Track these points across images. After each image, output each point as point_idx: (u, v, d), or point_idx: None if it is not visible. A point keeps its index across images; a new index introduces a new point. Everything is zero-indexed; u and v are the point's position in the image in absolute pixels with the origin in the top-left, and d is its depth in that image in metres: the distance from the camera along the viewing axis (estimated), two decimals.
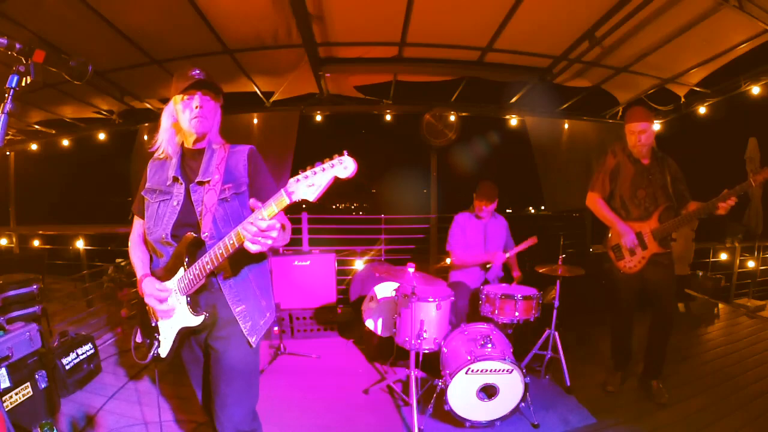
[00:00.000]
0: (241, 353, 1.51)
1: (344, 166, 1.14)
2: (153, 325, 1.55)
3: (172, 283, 1.46)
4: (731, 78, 4.15)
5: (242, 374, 1.52)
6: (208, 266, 1.36)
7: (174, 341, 1.49)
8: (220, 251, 1.32)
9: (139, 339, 1.58)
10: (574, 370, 2.88)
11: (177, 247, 1.45)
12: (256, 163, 1.58)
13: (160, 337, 1.52)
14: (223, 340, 1.50)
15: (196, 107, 1.45)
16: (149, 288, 1.48)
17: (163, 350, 1.51)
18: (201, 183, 1.48)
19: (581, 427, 2.42)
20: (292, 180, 1.16)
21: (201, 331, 1.51)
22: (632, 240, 2.59)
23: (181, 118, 1.48)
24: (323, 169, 1.14)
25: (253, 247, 1.24)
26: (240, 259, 1.47)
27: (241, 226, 1.26)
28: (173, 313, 1.47)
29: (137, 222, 1.64)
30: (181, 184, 1.50)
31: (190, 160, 1.55)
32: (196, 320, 1.44)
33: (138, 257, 1.61)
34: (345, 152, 1.14)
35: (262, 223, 1.21)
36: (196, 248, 1.43)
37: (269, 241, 1.25)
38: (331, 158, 1.15)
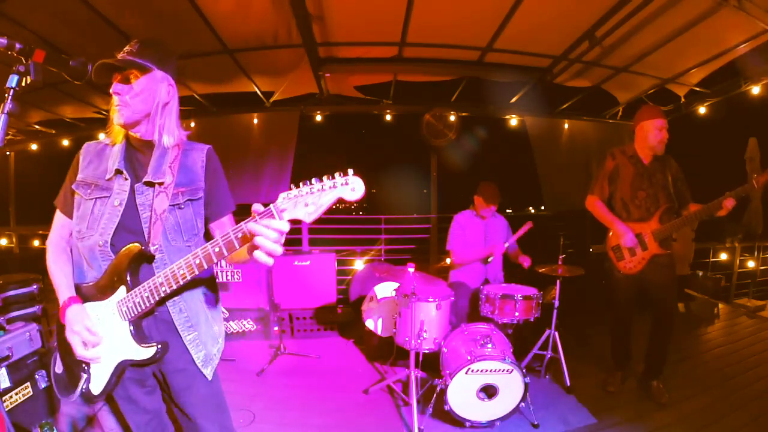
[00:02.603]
0: (203, 387, 1.31)
1: (351, 188, 0.97)
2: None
3: (109, 305, 1.19)
4: (731, 78, 4.15)
5: (212, 405, 1.34)
6: (163, 288, 1.12)
7: (111, 376, 1.19)
8: (182, 271, 1.10)
9: (59, 369, 1.26)
10: (574, 370, 2.88)
11: (116, 259, 1.17)
12: (216, 167, 1.33)
13: (91, 370, 1.21)
14: (179, 374, 1.28)
15: (113, 95, 1.20)
16: (77, 322, 1.16)
17: (96, 386, 1.20)
18: (150, 184, 1.23)
19: (581, 427, 2.42)
20: (283, 196, 0.98)
21: (145, 365, 1.23)
22: (631, 239, 2.59)
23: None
24: (325, 189, 0.97)
25: (264, 259, 1.01)
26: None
27: (255, 228, 0.99)
28: (106, 347, 1.19)
29: (62, 221, 1.31)
30: (126, 179, 1.23)
31: (136, 152, 1.28)
32: (144, 353, 1.16)
33: (61, 270, 1.27)
34: (350, 171, 0.98)
35: (284, 225, 0.99)
36: (141, 263, 1.19)
37: (280, 249, 1.02)
38: (333, 176, 0.97)
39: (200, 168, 1.30)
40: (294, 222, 1.01)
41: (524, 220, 3.17)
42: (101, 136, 1.35)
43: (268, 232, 0.98)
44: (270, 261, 1.01)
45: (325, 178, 0.98)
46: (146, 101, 1.21)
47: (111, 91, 1.20)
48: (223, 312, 1.44)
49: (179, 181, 1.25)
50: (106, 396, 1.23)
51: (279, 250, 1.00)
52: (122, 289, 1.17)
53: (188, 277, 1.10)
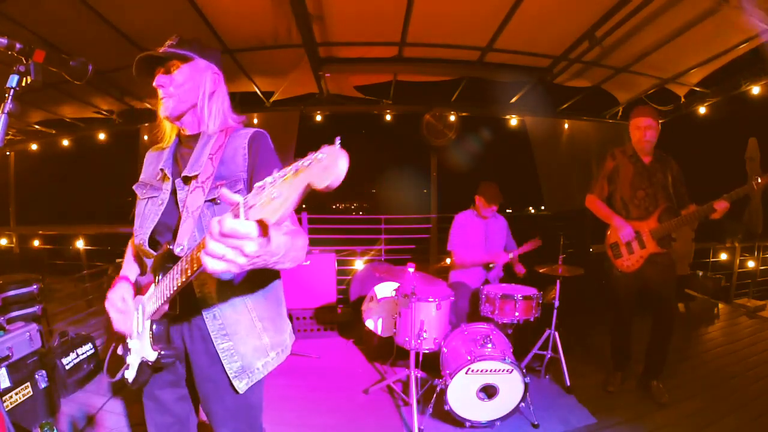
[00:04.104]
0: (232, 398, 1.20)
1: (323, 166, 0.63)
2: (128, 340, 1.24)
3: (145, 300, 1.18)
4: (731, 78, 4.15)
5: (239, 420, 1.24)
6: (167, 292, 1.04)
7: (138, 371, 1.17)
8: (176, 274, 1.01)
9: (120, 351, 1.26)
10: (574, 370, 2.88)
11: (155, 258, 1.16)
12: (259, 152, 1.18)
13: (129, 359, 1.20)
14: (207, 384, 1.21)
15: (158, 88, 1.19)
16: (115, 293, 1.19)
17: (130, 375, 1.19)
18: (187, 179, 1.17)
19: (581, 427, 2.42)
20: (257, 186, 0.71)
21: (162, 368, 1.19)
22: (629, 233, 2.59)
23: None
24: (287, 173, 0.67)
25: (211, 265, 0.74)
26: (231, 278, 1.14)
27: (211, 224, 0.74)
28: (135, 335, 1.18)
29: None
30: (168, 179, 1.21)
31: (183, 148, 1.26)
32: (151, 355, 1.11)
33: (127, 258, 1.36)
34: (336, 140, 0.68)
35: (228, 223, 0.70)
36: (170, 263, 1.11)
37: (241, 259, 0.74)
38: (313, 152, 0.66)
39: (242, 157, 1.17)
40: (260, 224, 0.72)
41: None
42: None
43: (213, 228, 0.73)
44: (215, 267, 0.74)
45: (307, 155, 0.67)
46: (191, 91, 1.18)
47: (154, 84, 1.19)
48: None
49: (219, 173, 1.15)
50: (138, 391, 1.25)
51: (211, 264, 0.74)
52: (152, 287, 1.15)
53: (184, 281, 0.97)
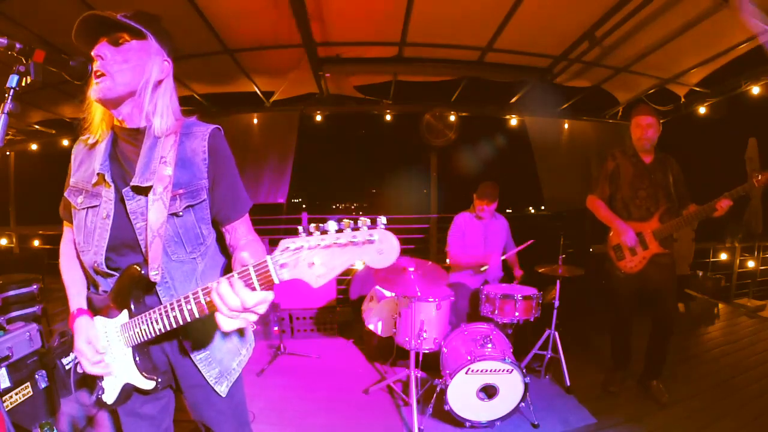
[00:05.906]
0: (216, 404, 1.20)
1: (378, 249, 0.71)
2: None
3: (115, 325, 1.08)
4: (731, 78, 4.15)
5: (232, 419, 1.26)
6: (158, 326, 0.99)
7: (120, 393, 1.11)
8: (174, 313, 0.96)
9: (80, 369, 1.23)
10: (574, 370, 2.88)
11: (119, 280, 1.05)
12: (221, 156, 1.07)
13: (103, 383, 1.13)
14: (196, 389, 1.18)
15: (95, 59, 1.00)
16: (81, 339, 1.08)
17: (108, 397, 1.13)
18: (139, 189, 1.02)
19: (581, 427, 2.42)
20: (285, 244, 0.76)
21: (148, 394, 1.14)
22: (632, 237, 2.59)
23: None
24: (341, 244, 0.73)
25: (227, 325, 0.85)
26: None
27: (215, 292, 0.83)
28: (115, 365, 1.10)
29: (68, 231, 1.23)
30: (110, 186, 1.04)
31: (124, 144, 1.08)
32: (145, 384, 1.08)
33: (72, 278, 1.20)
34: (381, 220, 0.72)
35: (250, 298, 0.81)
36: (143, 288, 1.05)
37: (254, 317, 0.86)
38: (357, 224, 0.74)
39: (201, 161, 1.05)
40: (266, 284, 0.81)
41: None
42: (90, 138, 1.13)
43: (225, 300, 0.83)
44: (226, 327, 0.86)
45: (345, 223, 0.73)
46: (134, 72, 1.01)
47: (93, 53, 1.01)
48: None
49: (177, 180, 1.03)
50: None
51: (233, 324, 0.85)
52: (125, 313, 1.06)
53: (181, 323, 0.96)
